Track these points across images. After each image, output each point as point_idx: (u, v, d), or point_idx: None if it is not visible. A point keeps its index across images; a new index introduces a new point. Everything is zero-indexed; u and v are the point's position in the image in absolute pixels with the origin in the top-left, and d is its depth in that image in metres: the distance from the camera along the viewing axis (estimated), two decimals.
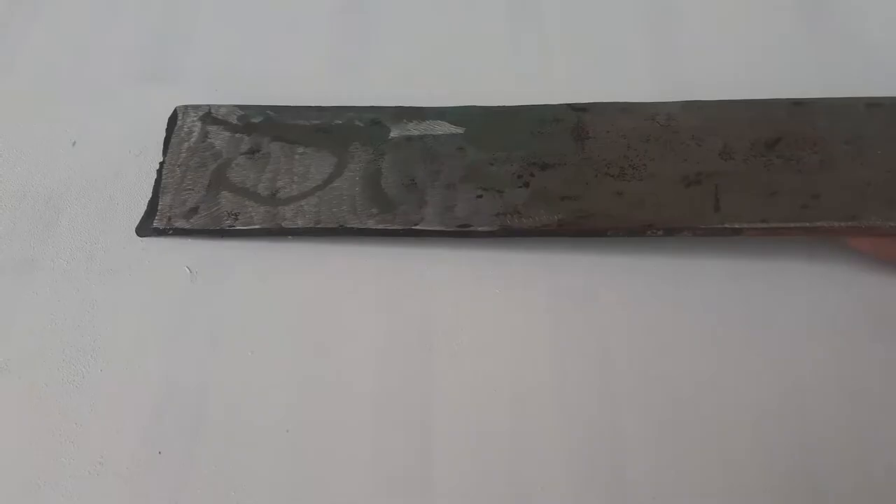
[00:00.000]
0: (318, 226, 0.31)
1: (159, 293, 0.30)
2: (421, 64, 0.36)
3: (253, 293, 0.30)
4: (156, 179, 0.32)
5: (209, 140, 0.33)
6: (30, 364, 0.29)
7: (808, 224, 0.29)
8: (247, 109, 0.34)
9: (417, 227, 0.30)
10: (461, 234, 0.30)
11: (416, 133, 0.32)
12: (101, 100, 0.36)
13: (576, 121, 0.32)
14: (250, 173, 0.32)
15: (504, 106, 0.33)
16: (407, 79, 0.35)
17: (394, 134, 0.33)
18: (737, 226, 0.29)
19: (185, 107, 0.34)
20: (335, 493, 0.26)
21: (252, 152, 0.32)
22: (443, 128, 0.32)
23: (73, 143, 0.34)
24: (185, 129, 0.33)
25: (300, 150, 0.32)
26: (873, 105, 0.31)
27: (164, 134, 0.34)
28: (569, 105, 0.32)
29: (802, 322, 0.29)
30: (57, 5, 0.40)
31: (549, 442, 0.27)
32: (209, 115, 0.33)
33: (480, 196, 0.31)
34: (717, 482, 0.26)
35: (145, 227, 0.31)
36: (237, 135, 0.33)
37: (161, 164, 0.32)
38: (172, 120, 0.34)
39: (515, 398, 0.28)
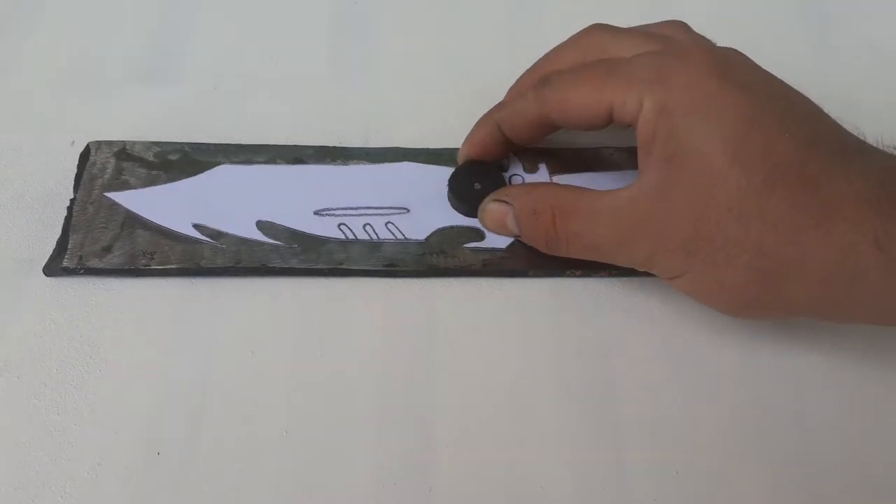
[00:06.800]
0: (239, 265, 0.30)
1: (158, 294, 0.30)
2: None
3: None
4: (66, 217, 0.31)
5: (124, 177, 0.32)
6: (29, 364, 0.28)
7: None
8: (163, 146, 0.33)
9: (343, 267, 0.30)
10: (387, 273, 0.30)
11: None
12: (101, 99, 0.36)
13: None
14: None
15: (427, 148, 0.33)
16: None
17: None
18: None
19: (98, 142, 0.33)
20: (335, 493, 0.26)
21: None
22: None
23: (72, 143, 0.33)
24: (98, 166, 0.32)
25: None
26: None
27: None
28: None
29: None
30: (57, 6, 0.39)
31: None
32: (123, 152, 0.32)
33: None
34: (718, 483, 0.27)
35: (54, 267, 0.30)
36: (153, 172, 0.32)
37: (72, 200, 0.31)
38: (84, 156, 0.32)
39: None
